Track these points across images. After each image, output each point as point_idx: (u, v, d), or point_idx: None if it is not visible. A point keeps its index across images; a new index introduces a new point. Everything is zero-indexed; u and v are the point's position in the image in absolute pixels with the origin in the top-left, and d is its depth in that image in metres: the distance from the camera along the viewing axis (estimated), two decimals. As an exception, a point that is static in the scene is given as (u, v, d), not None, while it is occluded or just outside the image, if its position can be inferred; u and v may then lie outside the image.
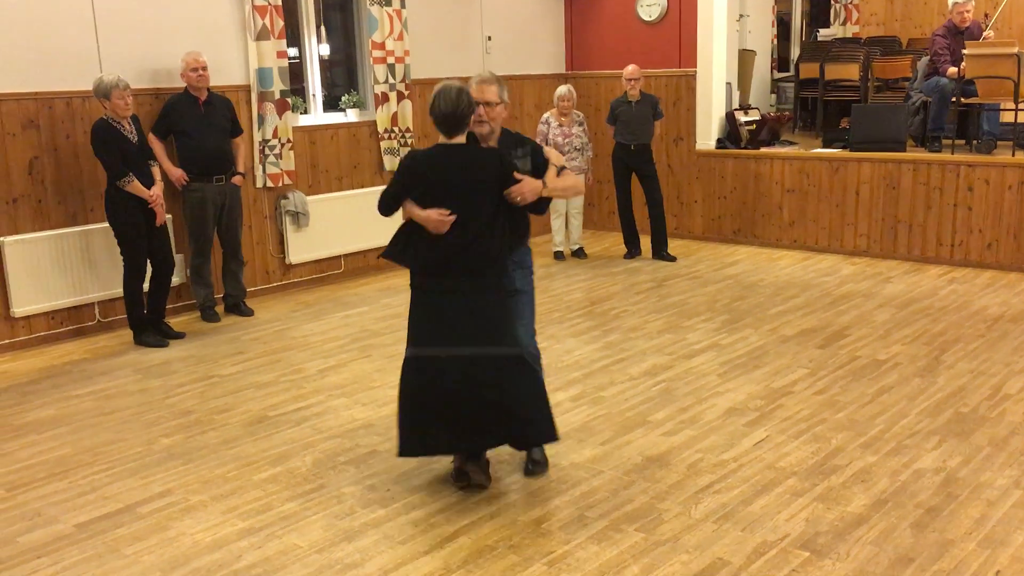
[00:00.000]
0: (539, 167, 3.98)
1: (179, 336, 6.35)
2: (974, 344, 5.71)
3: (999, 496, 3.79)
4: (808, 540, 3.49)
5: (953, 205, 7.68)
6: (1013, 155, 7.52)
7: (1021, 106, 7.51)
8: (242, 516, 3.83)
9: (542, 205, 3.94)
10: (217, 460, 4.40)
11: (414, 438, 3.87)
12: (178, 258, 6.64)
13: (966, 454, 4.19)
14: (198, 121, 6.46)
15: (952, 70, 7.87)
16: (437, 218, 3.72)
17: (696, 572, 3.30)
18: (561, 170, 4.03)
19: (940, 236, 7.78)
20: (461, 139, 3.80)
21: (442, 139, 3.79)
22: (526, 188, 3.80)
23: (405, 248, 3.87)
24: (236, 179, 6.68)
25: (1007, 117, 8.02)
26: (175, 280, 6.58)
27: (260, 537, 3.65)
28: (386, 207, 3.93)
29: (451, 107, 3.69)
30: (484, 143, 3.92)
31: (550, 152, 4.11)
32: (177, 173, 6.46)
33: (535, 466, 4.17)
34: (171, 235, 6.46)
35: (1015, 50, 7.41)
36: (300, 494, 4.02)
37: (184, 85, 6.51)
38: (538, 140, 8.15)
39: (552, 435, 3.95)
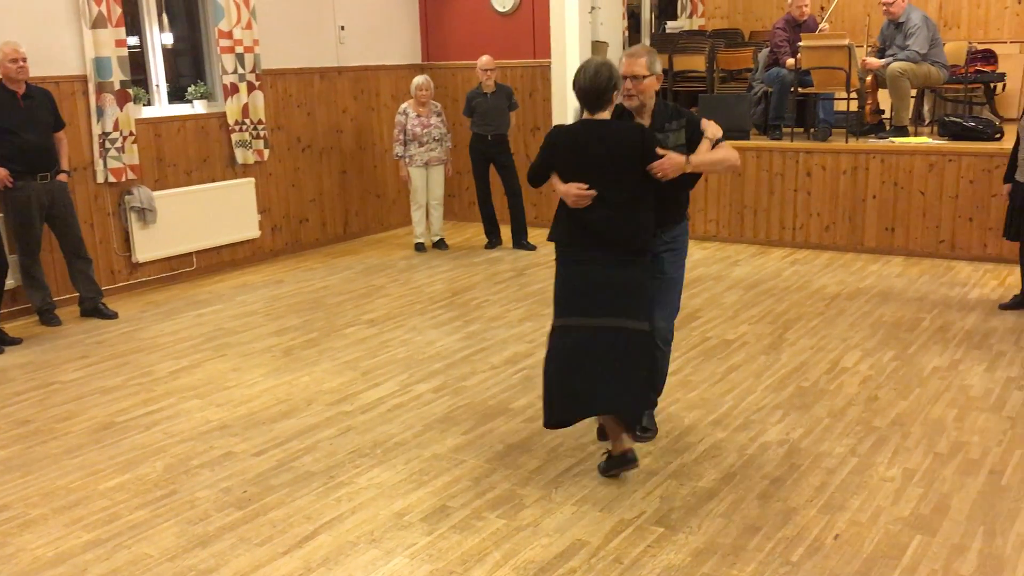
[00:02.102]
0: (694, 141, 3.89)
1: (16, 342, 5.98)
2: (814, 322, 6.03)
3: (837, 464, 4.01)
4: (663, 516, 3.60)
5: (794, 190, 8.07)
6: (847, 142, 7.97)
7: (853, 95, 7.97)
8: (87, 528, 3.65)
9: (689, 181, 3.89)
10: (59, 470, 4.17)
11: (561, 408, 3.83)
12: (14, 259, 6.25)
13: (807, 426, 4.42)
14: (18, 116, 6.04)
15: (791, 61, 8.26)
16: (576, 192, 3.74)
17: (556, 554, 3.36)
18: (717, 143, 3.90)
19: (783, 220, 8.17)
20: (605, 115, 3.79)
21: (586, 115, 3.81)
22: (667, 165, 3.72)
23: (558, 222, 3.92)
24: (61, 177, 6.31)
25: (841, 106, 8.48)
26: (9, 283, 6.19)
27: (107, 548, 3.49)
28: (534, 179, 4.01)
29: (588, 83, 3.72)
30: (638, 117, 3.88)
31: (707, 125, 3.94)
32: (2, 173, 6.03)
33: (642, 433, 4.18)
34: (3, 236, 6.06)
35: (846, 42, 7.84)
36: (150, 501, 3.86)
37: None
38: (396, 132, 8.10)
39: (634, 419, 3.89)
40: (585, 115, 3.84)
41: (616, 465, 3.93)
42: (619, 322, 3.80)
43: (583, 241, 3.84)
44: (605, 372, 3.77)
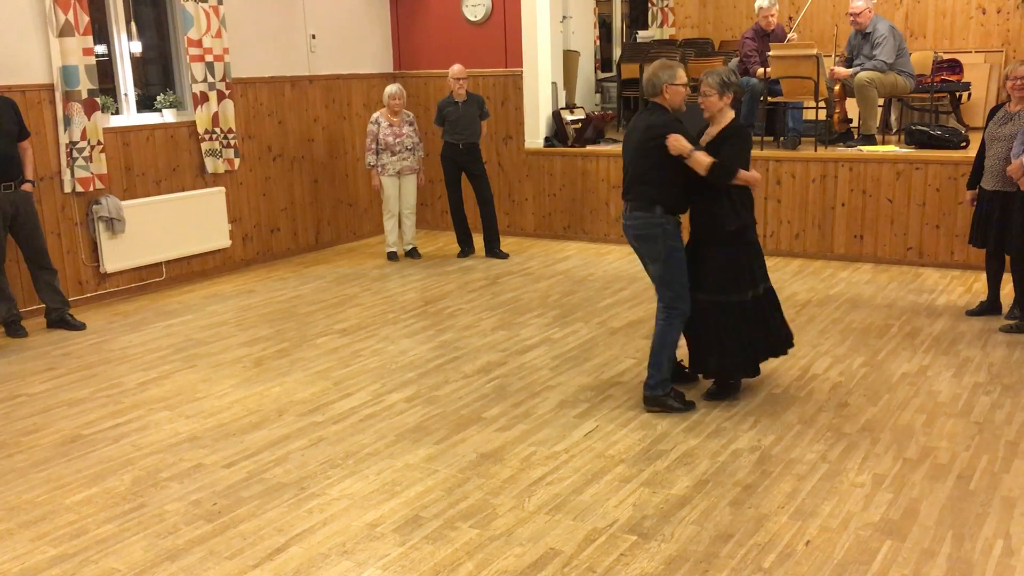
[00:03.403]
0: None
1: (-20, 354, 5.90)
2: (785, 328, 6.06)
3: (808, 470, 4.04)
4: (635, 524, 3.61)
5: (764, 198, 8.13)
6: (816, 150, 8.04)
7: (821, 104, 8.05)
8: (53, 542, 3.59)
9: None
10: (25, 484, 4.11)
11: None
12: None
13: (778, 432, 4.44)
14: None
15: (760, 70, 8.34)
16: (760, 176, 4.75)
17: (529, 564, 3.35)
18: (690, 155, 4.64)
19: (754, 228, 8.21)
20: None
21: (731, 114, 4.69)
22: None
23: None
24: (26, 187, 6.22)
25: (809, 115, 8.57)
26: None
27: (74, 563, 3.44)
28: (732, 176, 4.57)
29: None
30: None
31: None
32: None
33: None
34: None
35: (814, 52, 7.92)
36: (118, 515, 3.80)
37: None
38: (368, 141, 8.08)
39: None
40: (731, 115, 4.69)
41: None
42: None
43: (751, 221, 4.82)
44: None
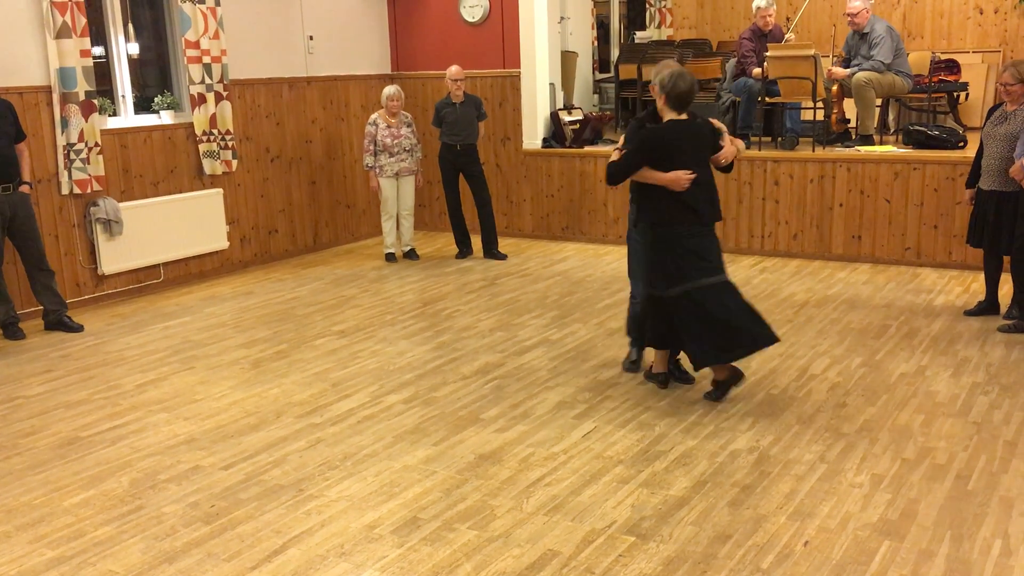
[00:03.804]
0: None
1: (-22, 356, 5.89)
2: (783, 328, 6.06)
3: (806, 471, 4.04)
4: (634, 525, 3.61)
5: (762, 199, 8.14)
6: (813, 151, 8.05)
7: (819, 105, 8.05)
8: (51, 544, 3.59)
9: (732, 167, 5.02)
10: (22, 487, 4.10)
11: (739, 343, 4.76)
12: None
13: (776, 433, 4.44)
14: None
15: (757, 71, 8.34)
16: (686, 177, 4.62)
17: (527, 565, 3.35)
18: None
19: (751, 228, 8.23)
20: (685, 115, 4.70)
21: (672, 115, 4.69)
22: (730, 152, 4.85)
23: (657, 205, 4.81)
24: (23, 188, 6.22)
25: (807, 115, 8.57)
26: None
27: (71, 566, 3.43)
28: (621, 177, 4.76)
29: (688, 88, 4.59)
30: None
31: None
32: None
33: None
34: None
35: (812, 52, 7.92)
36: (116, 517, 3.80)
37: None
38: (366, 142, 8.08)
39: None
40: (672, 116, 4.69)
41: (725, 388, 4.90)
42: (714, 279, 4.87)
43: (684, 217, 4.72)
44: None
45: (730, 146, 4.85)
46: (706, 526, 3.59)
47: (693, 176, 4.63)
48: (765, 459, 4.16)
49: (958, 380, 5.08)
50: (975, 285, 6.87)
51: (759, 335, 4.74)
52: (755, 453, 4.23)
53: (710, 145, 4.80)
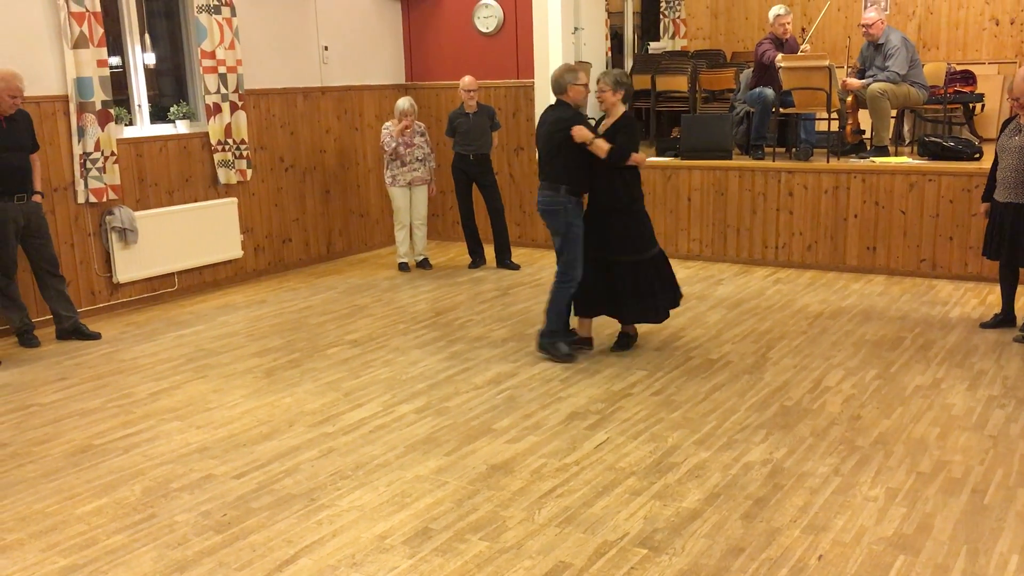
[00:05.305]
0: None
1: (-7, 364, 5.92)
2: (797, 340, 6.04)
3: (820, 484, 4.01)
4: (646, 537, 3.58)
5: (776, 209, 8.11)
6: (828, 161, 8.02)
7: (834, 115, 8.03)
8: (63, 553, 3.60)
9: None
10: (35, 494, 4.12)
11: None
12: (-9, 280, 6.19)
13: (790, 445, 4.41)
14: (2, 138, 6.01)
15: (780, 56, 8.27)
16: (645, 158, 5.65)
17: (539, 577, 3.33)
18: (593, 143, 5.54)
19: (765, 239, 8.20)
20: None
21: (623, 108, 5.59)
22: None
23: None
24: (36, 197, 6.26)
25: (822, 126, 8.55)
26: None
27: (83, 574, 3.44)
28: (626, 158, 5.47)
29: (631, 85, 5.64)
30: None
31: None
32: None
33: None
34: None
35: (827, 63, 7.90)
36: (128, 525, 3.80)
37: None
38: (383, 150, 8.08)
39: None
40: (623, 108, 5.62)
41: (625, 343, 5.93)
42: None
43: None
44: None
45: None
46: (719, 539, 3.56)
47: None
48: (779, 472, 4.13)
49: (974, 393, 5.03)
50: (991, 297, 6.82)
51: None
52: (769, 465, 4.20)
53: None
